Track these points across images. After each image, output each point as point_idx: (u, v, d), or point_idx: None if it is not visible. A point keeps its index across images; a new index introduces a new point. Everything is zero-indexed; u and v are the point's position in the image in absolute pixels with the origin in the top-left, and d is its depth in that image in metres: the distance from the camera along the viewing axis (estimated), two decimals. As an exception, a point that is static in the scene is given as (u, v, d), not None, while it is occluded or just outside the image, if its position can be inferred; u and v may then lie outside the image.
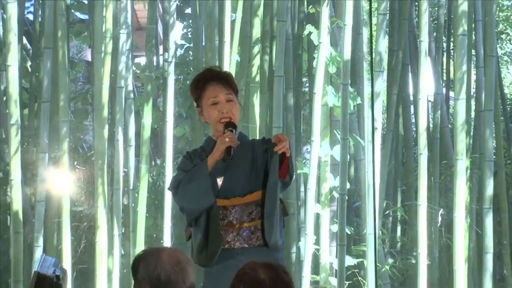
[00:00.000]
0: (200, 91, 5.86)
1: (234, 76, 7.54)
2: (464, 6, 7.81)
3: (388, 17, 8.31)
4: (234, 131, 5.50)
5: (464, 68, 8.11)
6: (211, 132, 5.83)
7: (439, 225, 8.39)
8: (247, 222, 5.76)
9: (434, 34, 8.74)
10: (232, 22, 8.07)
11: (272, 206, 5.83)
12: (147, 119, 8.11)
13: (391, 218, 8.88)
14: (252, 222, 5.80)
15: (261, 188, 5.86)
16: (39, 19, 8.43)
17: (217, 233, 5.54)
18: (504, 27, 8.90)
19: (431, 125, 8.49)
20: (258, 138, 7.48)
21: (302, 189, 8.49)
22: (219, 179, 5.88)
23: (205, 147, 5.92)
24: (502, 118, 8.51)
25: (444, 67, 9.03)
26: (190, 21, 8.98)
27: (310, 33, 8.28)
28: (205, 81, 5.94)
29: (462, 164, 7.91)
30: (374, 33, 8.06)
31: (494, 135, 8.19)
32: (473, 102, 8.28)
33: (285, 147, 5.51)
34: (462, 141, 7.93)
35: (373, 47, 8.02)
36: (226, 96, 5.75)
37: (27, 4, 8.64)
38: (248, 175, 5.81)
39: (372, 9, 8.06)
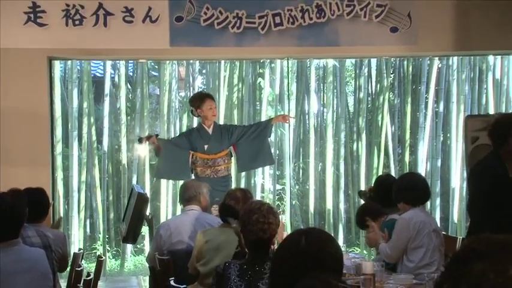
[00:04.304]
0: (201, 101, 6.37)
1: (221, 101, 8.05)
2: (330, 69, 8.06)
3: (296, 74, 8.33)
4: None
5: (331, 97, 8.17)
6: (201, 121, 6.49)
7: (319, 170, 8.36)
8: (217, 166, 6.34)
9: (317, 82, 8.64)
10: (224, 76, 8.06)
11: (270, 153, 6.89)
12: (184, 121, 8.12)
13: (297, 167, 8.84)
14: (219, 166, 6.38)
15: (224, 149, 6.42)
16: (135, 74, 8.35)
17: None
18: (348, 79, 9.15)
19: (315, 123, 8.39)
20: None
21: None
22: (205, 145, 6.40)
23: (192, 131, 6.63)
24: (348, 120, 8.36)
25: (321, 97, 8.82)
26: (205, 75, 8.80)
27: (260, 82, 8.37)
28: (205, 96, 6.48)
29: (330, 141, 8.07)
30: (290, 81, 7.97)
31: (344, 128, 8.20)
32: (334, 113, 8.19)
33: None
34: (330, 131, 8.07)
35: (290, 88, 7.95)
36: (214, 105, 6.43)
37: (129, 68, 8.45)
38: (218, 144, 6.38)
39: (289, 69, 8.25)
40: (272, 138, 8.13)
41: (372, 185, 5.73)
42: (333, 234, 7.99)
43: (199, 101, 6.47)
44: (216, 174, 6.43)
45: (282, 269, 2.13)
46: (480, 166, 4.38)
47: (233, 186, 6.69)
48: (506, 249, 1.23)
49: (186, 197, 5.06)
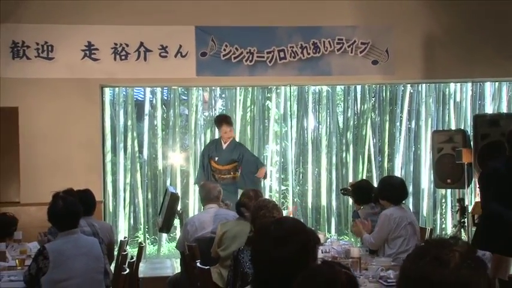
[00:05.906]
0: (219, 125, 6.40)
1: (237, 119, 8.03)
2: (324, 94, 8.10)
3: (296, 98, 8.15)
4: None
5: (325, 116, 8.17)
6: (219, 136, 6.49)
7: (316, 174, 8.22)
8: (225, 175, 6.24)
9: (314, 104, 8.42)
10: (239, 100, 8.05)
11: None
12: (208, 135, 8.00)
13: (298, 172, 8.58)
14: (227, 175, 6.35)
15: (232, 163, 6.30)
16: (169, 98, 8.20)
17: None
18: (339, 102, 8.63)
19: (312, 137, 8.26)
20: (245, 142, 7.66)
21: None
22: (216, 157, 6.35)
23: (213, 141, 6.61)
24: (338, 134, 8.24)
25: (317, 116, 8.46)
26: (224, 99, 8.55)
27: (268, 104, 8.32)
28: (222, 121, 6.42)
29: (324, 151, 8.03)
30: (292, 103, 7.87)
31: (335, 141, 8.13)
32: (327, 129, 8.15)
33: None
34: (324, 143, 8.05)
35: (292, 108, 7.86)
36: (230, 129, 6.31)
37: (164, 93, 8.29)
38: (226, 157, 6.28)
39: (291, 94, 8.15)
40: (278, 148, 8.22)
41: (353, 182, 5.79)
42: (326, 226, 8.19)
43: (218, 123, 6.51)
44: (225, 181, 6.34)
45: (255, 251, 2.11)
46: (486, 166, 4.24)
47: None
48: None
49: (211, 197, 4.92)
